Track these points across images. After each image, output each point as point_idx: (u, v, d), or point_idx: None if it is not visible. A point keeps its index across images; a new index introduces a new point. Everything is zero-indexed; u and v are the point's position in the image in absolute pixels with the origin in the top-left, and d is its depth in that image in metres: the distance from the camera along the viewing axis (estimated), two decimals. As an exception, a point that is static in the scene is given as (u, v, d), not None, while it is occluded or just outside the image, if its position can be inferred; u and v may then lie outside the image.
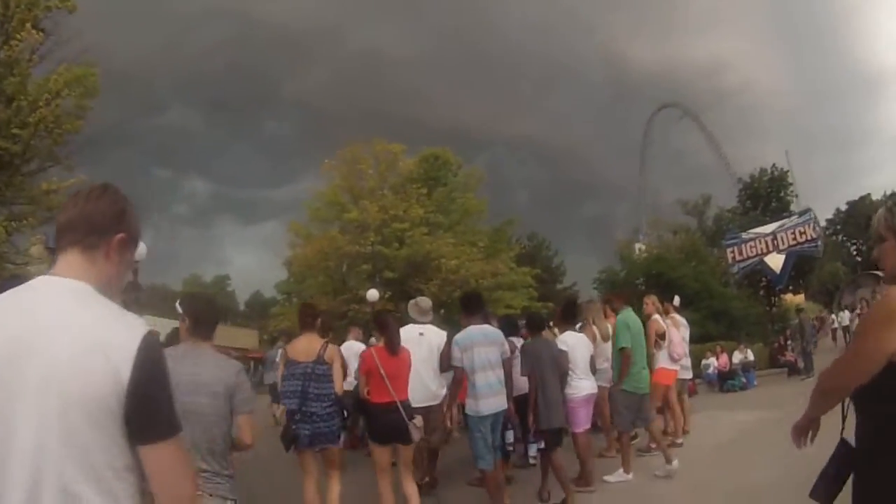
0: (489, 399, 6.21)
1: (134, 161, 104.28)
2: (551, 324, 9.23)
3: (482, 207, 32.97)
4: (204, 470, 3.49)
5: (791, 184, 40.29)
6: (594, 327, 8.80)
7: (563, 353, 7.20)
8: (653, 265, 23.38)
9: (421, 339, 7.27)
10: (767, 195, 39.81)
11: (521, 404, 6.98)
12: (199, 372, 3.57)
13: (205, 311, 3.91)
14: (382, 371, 5.82)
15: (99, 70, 16.39)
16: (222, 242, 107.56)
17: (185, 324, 3.85)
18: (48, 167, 16.34)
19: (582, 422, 7.49)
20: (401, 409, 5.77)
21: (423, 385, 7.08)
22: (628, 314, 8.05)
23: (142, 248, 16.34)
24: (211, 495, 3.51)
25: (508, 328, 8.11)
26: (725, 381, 17.87)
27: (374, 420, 5.97)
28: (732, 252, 30.09)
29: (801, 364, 19.42)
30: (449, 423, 7.01)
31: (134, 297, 14.80)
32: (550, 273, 45.59)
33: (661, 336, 9.07)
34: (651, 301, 9.46)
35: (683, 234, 31.80)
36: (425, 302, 7.88)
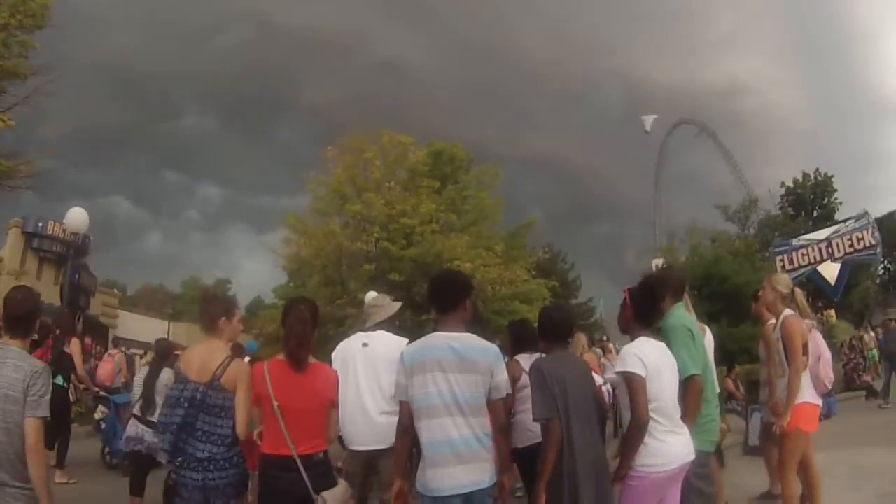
0: (447, 470, 3.62)
1: (148, 164, 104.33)
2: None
3: (498, 208, 29.83)
4: (4, 483, 3.31)
5: (835, 190, 37.30)
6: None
7: (640, 385, 3.86)
8: (710, 268, 19.71)
9: (365, 353, 5.00)
10: (811, 201, 36.97)
11: (529, 462, 4.38)
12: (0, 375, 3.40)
13: (11, 305, 3.56)
14: (274, 400, 3.76)
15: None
16: (233, 249, 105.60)
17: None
18: None
19: None
20: (301, 469, 3.71)
21: (368, 418, 4.85)
22: (683, 314, 4.64)
23: (80, 216, 13.75)
24: None
25: (521, 339, 5.54)
26: (806, 408, 14.46)
27: (261, 481, 3.86)
28: (782, 260, 27.10)
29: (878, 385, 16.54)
30: None
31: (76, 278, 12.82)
32: (566, 287, 42.73)
33: (806, 346, 5.43)
34: (777, 284, 5.69)
35: (725, 240, 28.45)
36: (370, 298, 5.74)
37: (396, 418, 3.96)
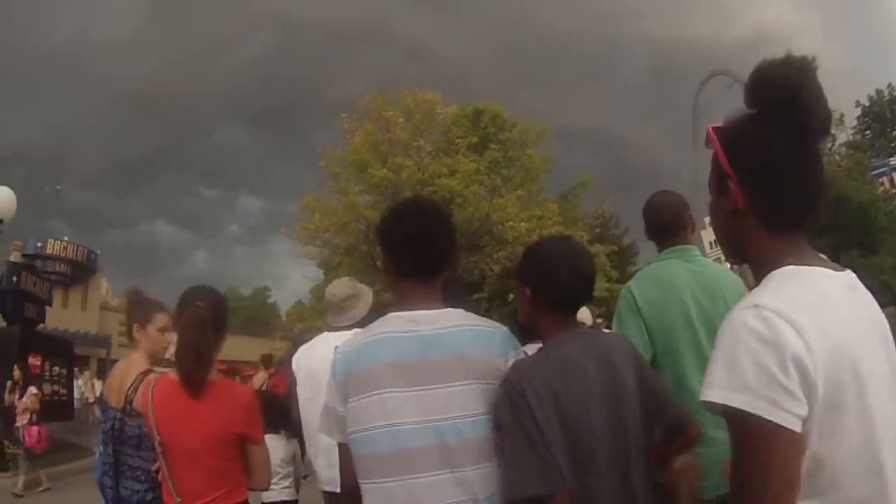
0: None
1: (185, 185, 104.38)
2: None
3: (547, 165, 26.17)
4: None
5: (917, 107, 33.02)
6: None
7: (770, 455, 0.99)
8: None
9: None
10: (890, 119, 32.75)
11: None
12: None
13: None
14: (157, 435, 2.55)
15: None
16: (277, 258, 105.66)
17: None
18: None
19: None
20: None
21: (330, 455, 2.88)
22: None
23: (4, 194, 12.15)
24: None
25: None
26: None
27: None
28: (882, 183, 23.24)
29: None
30: None
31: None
32: (623, 253, 38.92)
33: None
34: None
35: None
36: (343, 286, 3.78)
37: None
